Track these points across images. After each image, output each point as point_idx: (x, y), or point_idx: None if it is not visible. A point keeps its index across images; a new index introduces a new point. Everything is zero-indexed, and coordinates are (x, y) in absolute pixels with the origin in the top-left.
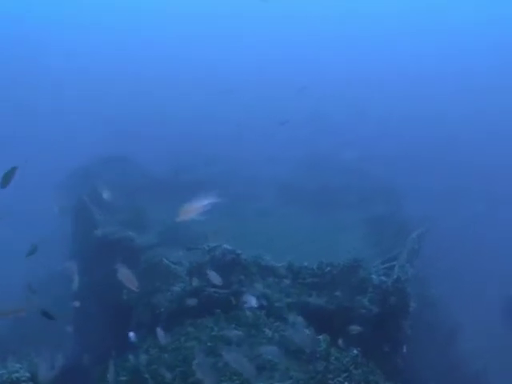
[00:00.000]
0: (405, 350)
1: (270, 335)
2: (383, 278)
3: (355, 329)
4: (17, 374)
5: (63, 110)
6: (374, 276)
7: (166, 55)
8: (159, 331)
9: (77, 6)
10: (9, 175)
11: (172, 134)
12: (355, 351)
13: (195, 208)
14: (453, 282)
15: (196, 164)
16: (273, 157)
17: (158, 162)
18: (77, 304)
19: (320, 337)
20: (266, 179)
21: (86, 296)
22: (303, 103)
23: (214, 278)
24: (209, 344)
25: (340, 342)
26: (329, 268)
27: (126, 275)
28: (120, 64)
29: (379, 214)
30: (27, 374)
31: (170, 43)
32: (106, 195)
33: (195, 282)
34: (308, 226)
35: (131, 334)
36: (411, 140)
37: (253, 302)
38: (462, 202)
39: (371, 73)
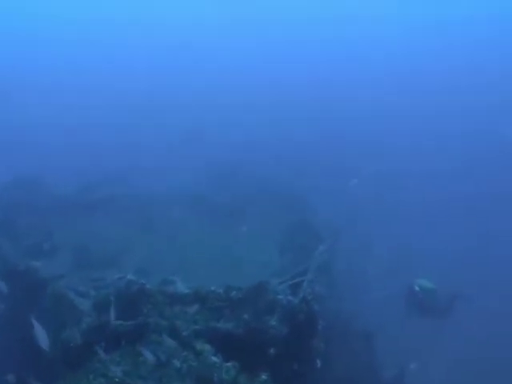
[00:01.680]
0: (319, 365)
1: (178, 366)
2: (290, 297)
3: (266, 351)
4: None
5: None
6: (280, 296)
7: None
8: None
9: None
10: None
11: (76, 147)
12: (264, 376)
13: None
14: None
15: (104, 179)
16: (178, 167)
17: (65, 179)
18: None
19: (229, 364)
20: (175, 191)
21: None
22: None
23: None
24: (116, 380)
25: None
26: (235, 292)
27: None
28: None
29: (290, 223)
30: None
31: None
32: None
33: (101, 316)
34: (219, 238)
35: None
36: (316, 141)
37: (149, 356)
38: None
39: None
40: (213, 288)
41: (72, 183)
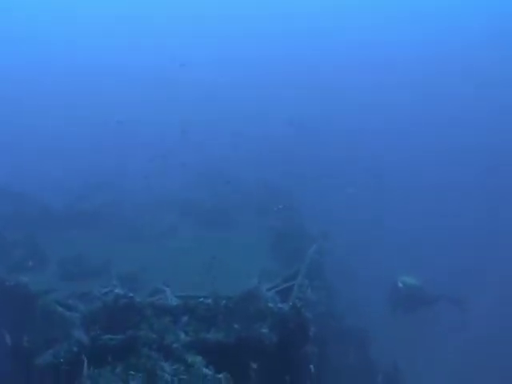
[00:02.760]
0: (313, 371)
1: (169, 380)
2: (280, 304)
3: (258, 360)
4: None
5: None
6: (271, 304)
7: None
8: None
9: None
10: None
11: (60, 154)
12: None
13: None
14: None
15: (90, 187)
16: (164, 173)
17: (51, 188)
18: None
19: (220, 375)
20: (162, 198)
21: None
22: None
23: None
24: None
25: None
26: (225, 301)
27: None
28: None
29: (282, 227)
30: None
31: None
32: None
33: (90, 330)
34: (208, 244)
35: None
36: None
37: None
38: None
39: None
40: (202, 298)
41: (58, 193)
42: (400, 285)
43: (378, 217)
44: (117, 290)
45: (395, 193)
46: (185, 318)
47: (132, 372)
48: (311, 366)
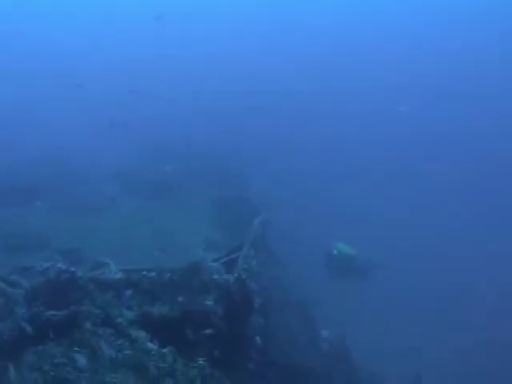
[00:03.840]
0: (259, 342)
1: (113, 356)
2: (225, 276)
3: (204, 333)
4: None
5: None
6: (215, 276)
7: None
8: None
9: None
10: None
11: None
12: (201, 361)
13: None
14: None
15: (33, 159)
16: (109, 145)
17: None
18: None
19: (165, 350)
20: (106, 170)
21: None
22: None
23: None
24: (52, 374)
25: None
26: (169, 274)
27: None
28: None
29: (225, 198)
30: None
31: None
32: None
33: (33, 307)
34: (153, 216)
35: None
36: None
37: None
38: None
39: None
40: (145, 272)
41: None
42: (334, 252)
43: (325, 189)
44: (59, 265)
45: (342, 166)
46: (128, 292)
47: (76, 348)
48: (257, 338)
